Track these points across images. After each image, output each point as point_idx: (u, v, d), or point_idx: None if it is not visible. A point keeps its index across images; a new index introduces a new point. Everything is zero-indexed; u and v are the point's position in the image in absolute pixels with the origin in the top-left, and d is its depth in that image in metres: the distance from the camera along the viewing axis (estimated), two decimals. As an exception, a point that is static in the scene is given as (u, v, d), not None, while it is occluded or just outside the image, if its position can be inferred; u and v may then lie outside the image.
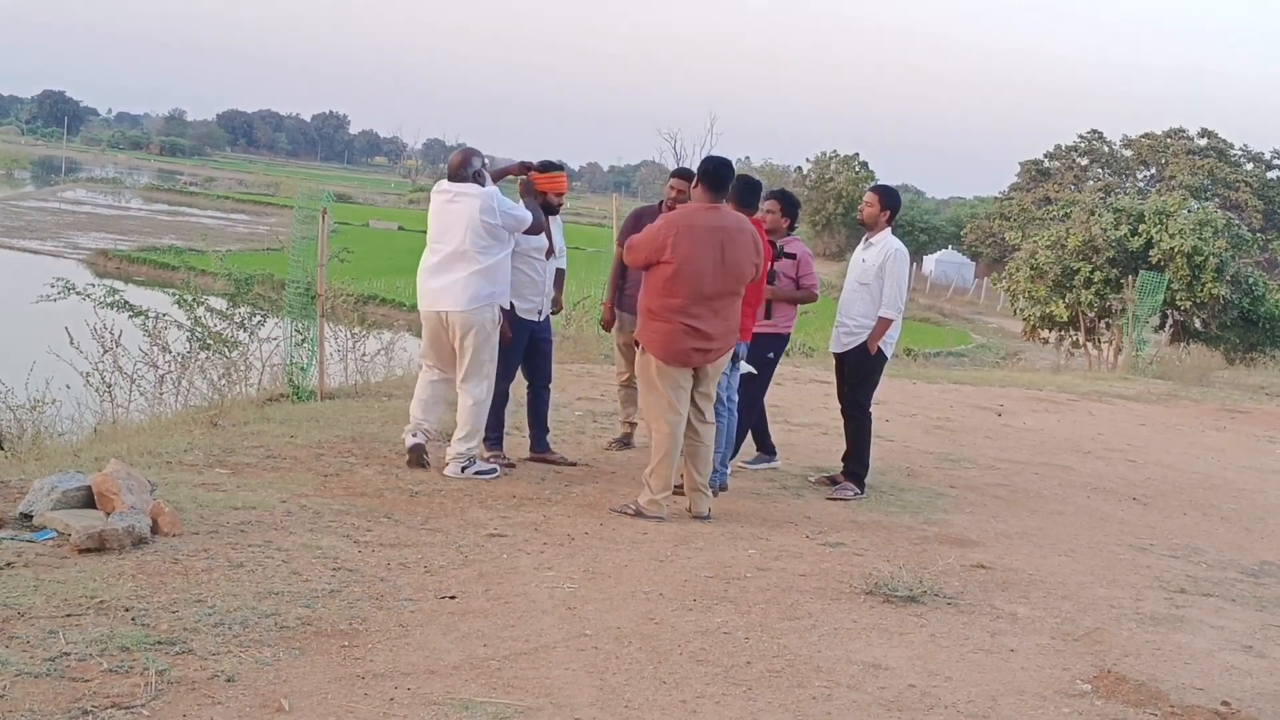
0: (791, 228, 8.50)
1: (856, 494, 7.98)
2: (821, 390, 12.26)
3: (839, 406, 8.38)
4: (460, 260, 7.27)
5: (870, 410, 8.21)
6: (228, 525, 5.77)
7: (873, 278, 7.95)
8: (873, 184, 8.35)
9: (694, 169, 7.57)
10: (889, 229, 8.09)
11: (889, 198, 8.17)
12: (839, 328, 8.21)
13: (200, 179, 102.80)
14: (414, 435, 7.56)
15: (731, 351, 7.14)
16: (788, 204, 8.49)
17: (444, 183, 7.43)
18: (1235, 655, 5.45)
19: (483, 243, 7.24)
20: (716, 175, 6.96)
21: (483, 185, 7.32)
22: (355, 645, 4.50)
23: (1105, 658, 5.21)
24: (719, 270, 6.79)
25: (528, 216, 7.38)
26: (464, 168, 7.38)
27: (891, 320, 7.95)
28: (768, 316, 8.33)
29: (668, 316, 6.81)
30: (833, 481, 8.19)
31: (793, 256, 8.39)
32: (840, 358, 8.24)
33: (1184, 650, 5.43)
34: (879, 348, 7.99)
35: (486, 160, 7.61)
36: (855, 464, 8.13)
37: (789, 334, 8.70)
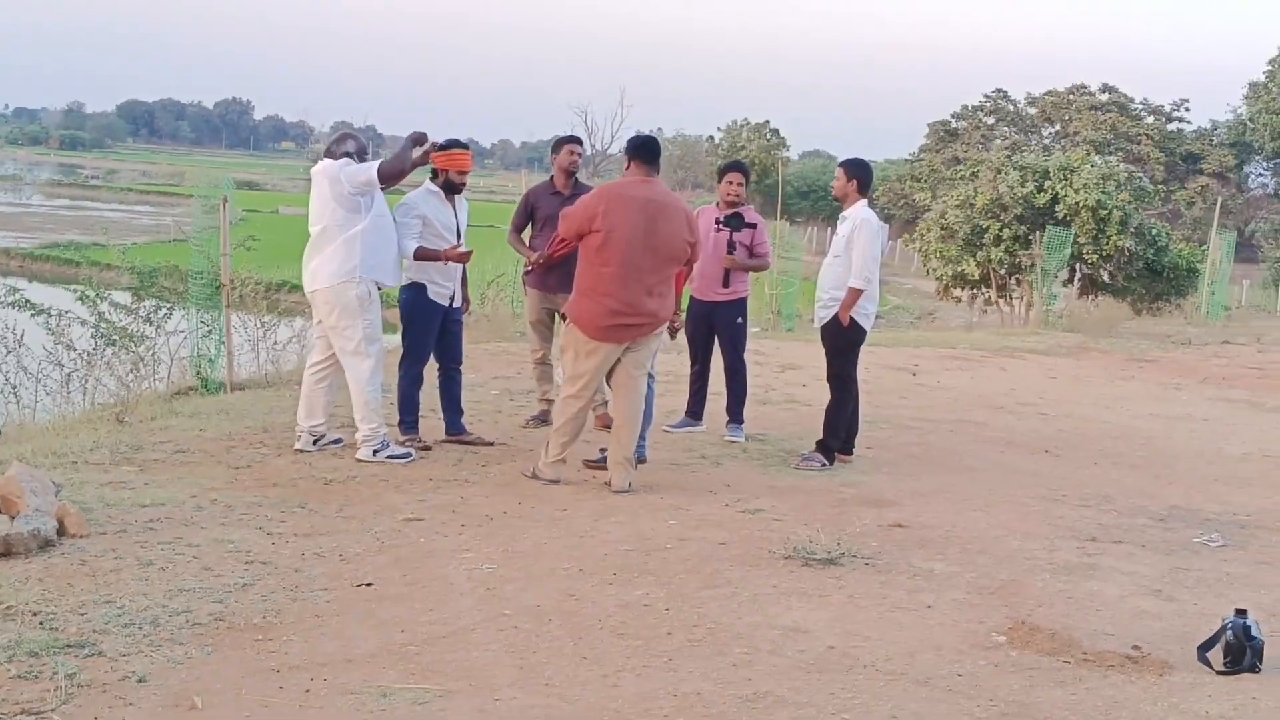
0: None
1: (824, 465, 7.98)
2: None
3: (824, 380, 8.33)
4: (321, 238, 7.25)
5: (854, 385, 8.15)
6: (136, 523, 5.68)
7: (843, 249, 7.92)
8: (840, 160, 8.37)
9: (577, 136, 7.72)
10: (863, 200, 7.98)
11: (854, 169, 8.03)
12: (817, 302, 8.22)
13: (102, 172, 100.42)
14: (299, 441, 7.51)
15: (665, 327, 7.18)
16: (747, 175, 8.94)
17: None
18: (1145, 600, 5.56)
19: (339, 216, 7.17)
20: (648, 150, 7.12)
21: (354, 163, 7.22)
22: (269, 638, 4.45)
23: (1020, 609, 5.29)
24: (649, 242, 6.81)
25: (372, 174, 7.12)
26: (338, 145, 7.42)
27: (860, 290, 7.83)
28: (725, 285, 8.62)
29: (598, 297, 6.83)
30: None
31: (754, 226, 8.69)
32: (821, 332, 8.21)
33: (1095, 597, 5.54)
34: (854, 320, 7.92)
35: (368, 144, 7.57)
36: (827, 435, 8.09)
37: (747, 295, 9.00)
